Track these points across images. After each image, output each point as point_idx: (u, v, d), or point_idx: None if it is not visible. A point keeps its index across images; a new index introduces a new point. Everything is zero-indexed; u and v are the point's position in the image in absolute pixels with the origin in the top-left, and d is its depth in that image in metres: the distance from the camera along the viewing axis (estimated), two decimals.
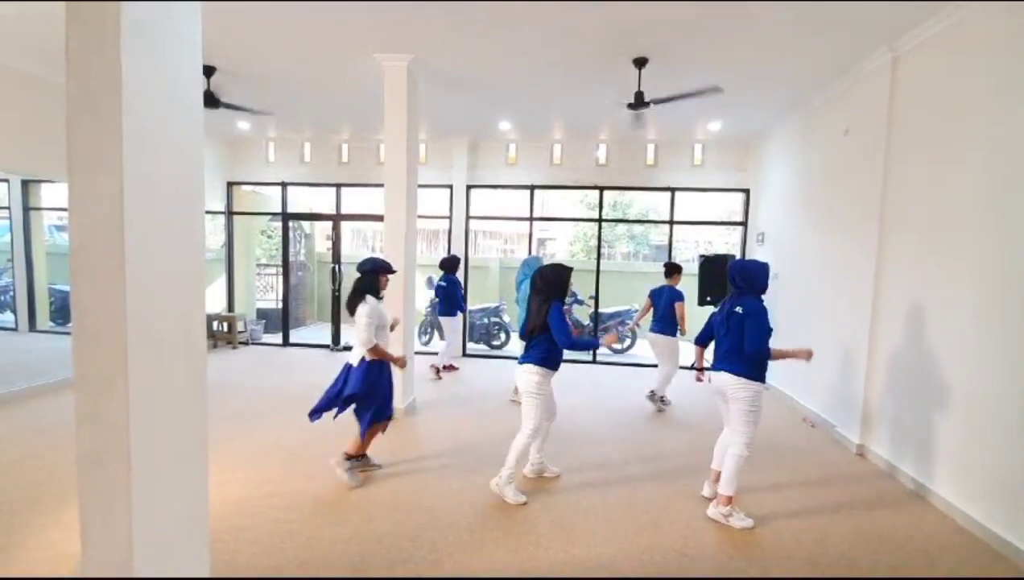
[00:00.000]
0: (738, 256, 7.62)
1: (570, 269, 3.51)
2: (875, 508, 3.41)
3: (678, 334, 5.70)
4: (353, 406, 3.59)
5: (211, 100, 5.03)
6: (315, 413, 3.53)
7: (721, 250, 11.03)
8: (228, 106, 5.27)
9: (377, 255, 3.84)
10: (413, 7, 3.82)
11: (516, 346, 8.52)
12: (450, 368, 7.12)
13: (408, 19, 4.03)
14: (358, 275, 3.58)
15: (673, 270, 5.87)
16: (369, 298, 3.51)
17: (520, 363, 3.47)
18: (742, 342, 3.17)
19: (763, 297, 3.27)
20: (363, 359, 3.53)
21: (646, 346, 8.97)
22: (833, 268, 5.02)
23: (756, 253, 7.29)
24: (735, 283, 3.32)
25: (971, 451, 3.21)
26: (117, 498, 1.70)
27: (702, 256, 7.39)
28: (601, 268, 8.25)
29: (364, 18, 4.05)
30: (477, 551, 2.79)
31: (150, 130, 1.71)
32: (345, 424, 4.70)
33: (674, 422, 5.17)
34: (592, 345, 3.30)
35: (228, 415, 4.84)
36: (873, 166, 4.28)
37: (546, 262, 3.95)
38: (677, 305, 5.62)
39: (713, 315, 3.50)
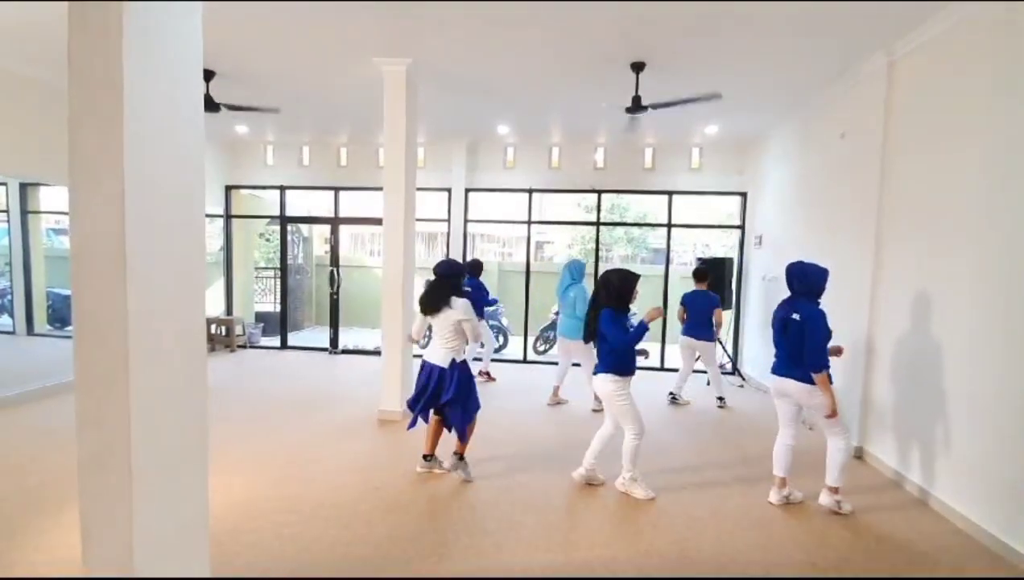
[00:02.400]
0: (736, 259, 7.65)
1: (637, 276, 3.55)
2: (874, 510, 3.41)
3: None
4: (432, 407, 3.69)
5: (210, 104, 5.04)
6: (414, 423, 3.71)
7: (719, 253, 11.05)
8: (232, 107, 5.27)
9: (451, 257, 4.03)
10: (412, 11, 3.84)
11: (515, 349, 8.52)
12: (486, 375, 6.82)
13: (407, 23, 4.05)
14: (434, 278, 3.65)
15: (704, 275, 5.97)
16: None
17: (595, 374, 3.55)
18: (802, 348, 3.20)
19: (819, 301, 3.31)
20: (454, 361, 3.58)
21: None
22: (831, 270, 5.02)
23: (754, 256, 7.32)
24: (792, 286, 3.35)
25: (969, 453, 3.22)
26: (118, 501, 1.70)
27: (700, 259, 7.41)
28: (599, 271, 8.25)
29: (363, 22, 4.06)
30: (477, 553, 2.79)
31: (151, 133, 1.72)
32: (339, 428, 4.70)
33: (676, 425, 5.18)
34: (643, 330, 3.43)
35: (228, 418, 4.83)
36: (870, 169, 4.30)
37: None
38: (716, 311, 5.79)
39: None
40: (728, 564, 2.77)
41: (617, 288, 3.47)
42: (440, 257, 8.37)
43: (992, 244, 3.12)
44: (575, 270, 5.64)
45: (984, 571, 2.80)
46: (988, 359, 3.11)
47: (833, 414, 3.19)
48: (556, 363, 6.06)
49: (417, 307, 3.73)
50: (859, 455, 4.32)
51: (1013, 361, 2.94)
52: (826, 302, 4.09)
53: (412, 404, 3.68)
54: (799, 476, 3.59)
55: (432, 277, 3.68)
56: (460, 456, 3.69)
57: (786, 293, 3.48)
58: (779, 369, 3.38)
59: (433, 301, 3.59)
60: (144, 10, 1.66)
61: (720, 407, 5.81)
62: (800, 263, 3.40)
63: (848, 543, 3.00)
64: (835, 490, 3.31)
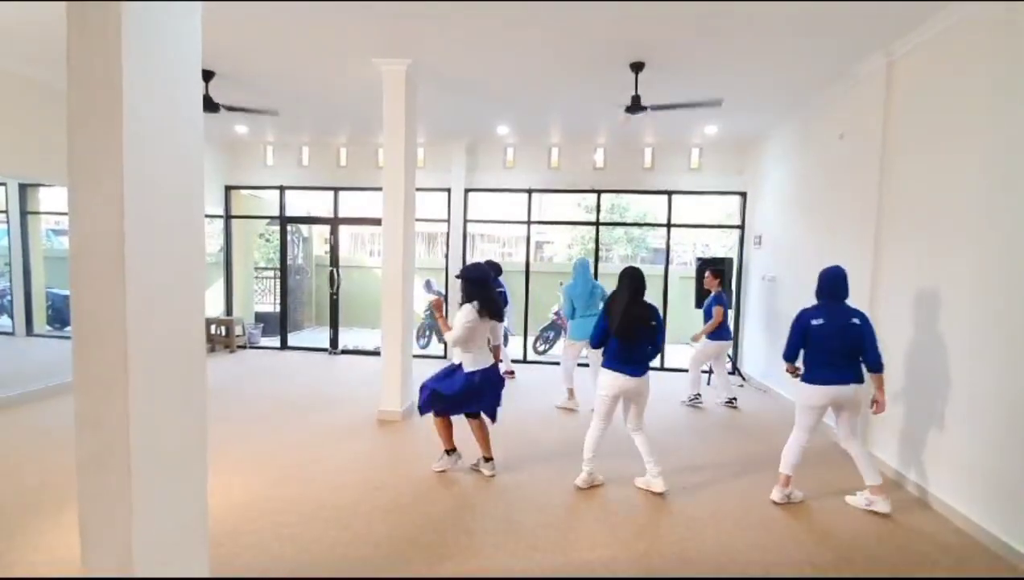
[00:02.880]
0: (735, 259, 7.65)
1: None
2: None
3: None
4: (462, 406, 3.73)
5: (210, 104, 5.04)
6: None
7: (719, 253, 11.05)
8: (230, 108, 5.28)
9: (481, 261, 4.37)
10: (411, 12, 3.84)
11: (515, 349, 8.51)
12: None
13: (407, 24, 4.05)
14: (490, 282, 3.74)
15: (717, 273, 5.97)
16: None
17: (640, 375, 3.50)
18: (859, 352, 3.27)
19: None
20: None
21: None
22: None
23: (753, 256, 7.32)
24: (828, 291, 3.36)
25: (970, 453, 3.22)
26: (117, 502, 1.70)
27: (699, 259, 7.40)
28: (600, 271, 8.25)
29: (362, 23, 4.06)
30: (476, 554, 2.79)
31: (150, 134, 1.72)
32: (338, 428, 4.70)
33: (675, 426, 5.18)
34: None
35: (227, 419, 4.83)
36: (869, 169, 4.30)
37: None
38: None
39: (803, 327, 3.39)
40: (728, 564, 2.77)
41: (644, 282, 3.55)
42: (440, 257, 8.36)
43: (992, 244, 3.12)
44: (589, 268, 5.66)
45: (984, 571, 2.80)
46: (989, 359, 3.11)
47: (884, 409, 3.34)
48: (557, 363, 6.05)
49: (471, 315, 3.54)
50: None
51: (1014, 361, 2.93)
52: None
53: (492, 408, 3.73)
54: (796, 476, 3.59)
55: (483, 280, 3.65)
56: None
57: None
58: (839, 377, 3.30)
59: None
60: (143, 10, 1.65)
61: (732, 406, 5.84)
62: (835, 269, 3.41)
63: (848, 543, 3.00)
64: (880, 488, 3.39)
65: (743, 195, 7.63)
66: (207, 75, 5.05)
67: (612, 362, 3.52)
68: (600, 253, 8.60)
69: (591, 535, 3.02)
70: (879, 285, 4.22)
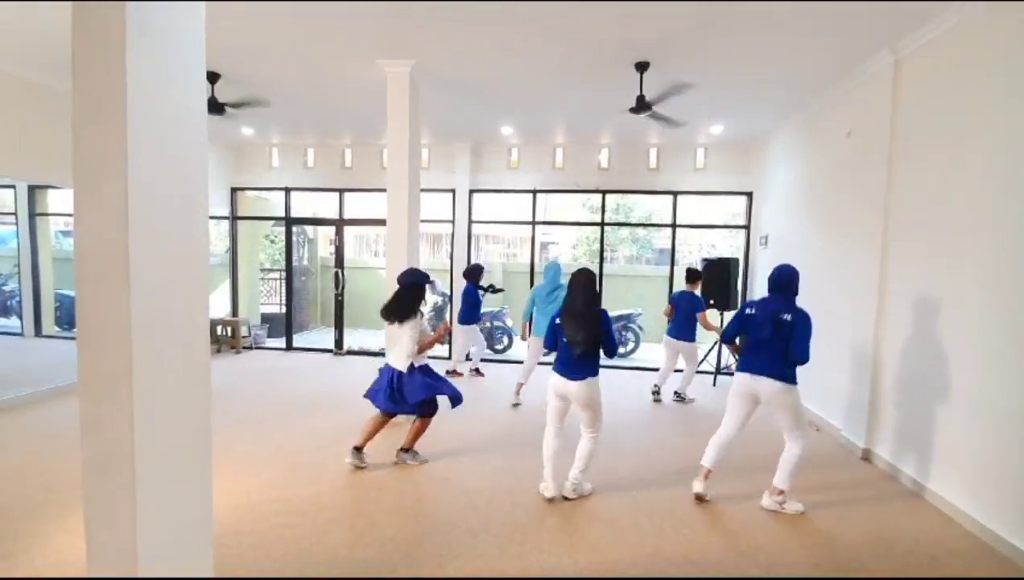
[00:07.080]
0: (741, 259, 7.61)
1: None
2: (881, 512, 3.38)
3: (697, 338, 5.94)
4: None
5: (215, 106, 5.06)
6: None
7: (725, 253, 10.99)
8: (234, 105, 5.31)
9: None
10: (415, 13, 3.84)
11: (519, 350, 8.51)
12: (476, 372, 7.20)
13: (410, 25, 4.06)
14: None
15: (694, 277, 6.00)
16: None
17: (576, 379, 3.35)
18: (786, 348, 3.22)
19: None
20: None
21: (646, 349, 8.92)
22: (837, 270, 5.00)
23: (760, 256, 7.28)
24: (771, 286, 3.40)
25: (979, 455, 3.19)
26: (121, 503, 1.70)
27: (705, 259, 7.37)
28: (604, 271, 8.24)
29: (366, 24, 4.07)
30: (480, 556, 2.78)
31: (155, 136, 1.72)
32: (343, 429, 4.70)
33: (679, 426, 5.15)
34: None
35: (232, 420, 4.85)
36: (876, 168, 4.26)
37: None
38: (699, 315, 5.81)
39: (741, 314, 3.48)
40: (733, 569, 2.75)
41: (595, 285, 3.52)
42: (445, 258, 8.39)
43: (999, 245, 3.08)
44: (555, 272, 5.74)
45: (992, 571, 2.77)
46: (997, 361, 3.07)
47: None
48: None
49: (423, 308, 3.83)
50: (866, 457, 4.28)
51: (1022, 362, 2.90)
52: (831, 302, 4.04)
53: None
54: (801, 480, 3.56)
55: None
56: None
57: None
58: (758, 367, 3.31)
59: None
60: (147, 11, 1.66)
61: (656, 400, 5.93)
62: (789, 266, 3.43)
63: (856, 546, 2.98)
64: (781, 492, 3.35)
65: (749, 195, 7.60)
66: (213, 77, 5.07)
67: (555, 364, 3.49)
68: (605, 253, 8.56)
69: (596, 538, 3.01)
70: (886, 284, 4.18)
